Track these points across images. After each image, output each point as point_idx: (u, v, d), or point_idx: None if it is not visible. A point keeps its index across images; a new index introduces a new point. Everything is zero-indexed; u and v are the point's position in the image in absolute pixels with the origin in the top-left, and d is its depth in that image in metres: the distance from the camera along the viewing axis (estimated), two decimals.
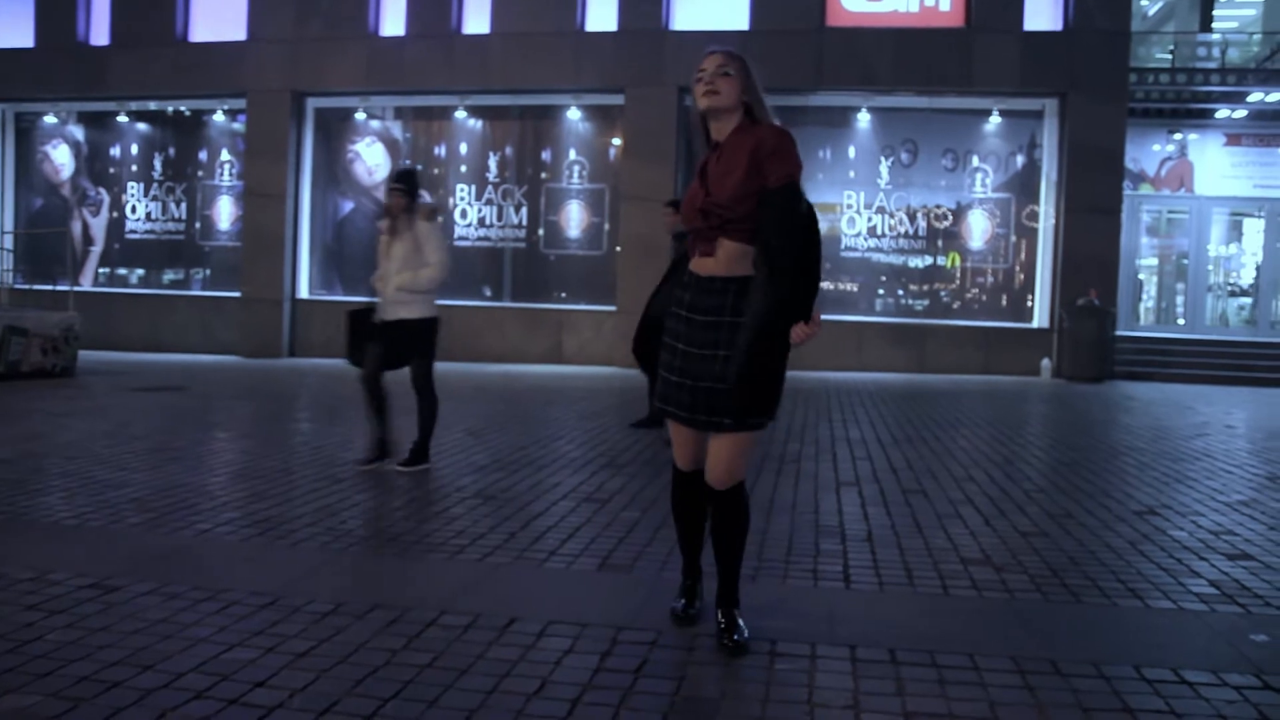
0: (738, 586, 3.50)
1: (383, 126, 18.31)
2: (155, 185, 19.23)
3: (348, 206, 18.44)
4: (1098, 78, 15.67)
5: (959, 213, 16.83)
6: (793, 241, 3.11)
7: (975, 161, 16.76)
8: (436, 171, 18.07)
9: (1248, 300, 19.83)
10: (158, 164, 19.23)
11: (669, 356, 3.39)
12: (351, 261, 18.25)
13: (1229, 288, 20.12)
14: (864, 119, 16.85)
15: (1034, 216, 16.55)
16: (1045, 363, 15.70)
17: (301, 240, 18.18)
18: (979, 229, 16.78)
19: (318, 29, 17.43)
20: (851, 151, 17.02)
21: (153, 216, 19.25)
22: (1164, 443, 8.72)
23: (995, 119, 16.54)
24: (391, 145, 18.23)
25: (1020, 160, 16.71)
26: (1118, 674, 3.24)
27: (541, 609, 3.80)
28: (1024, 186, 16.68)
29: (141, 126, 19.38)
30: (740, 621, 3.43)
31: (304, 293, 18.24)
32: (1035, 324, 16.41)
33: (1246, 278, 19.97)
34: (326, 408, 10.41)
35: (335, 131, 18.40)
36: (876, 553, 4.72)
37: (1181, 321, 19.33)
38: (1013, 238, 16.72)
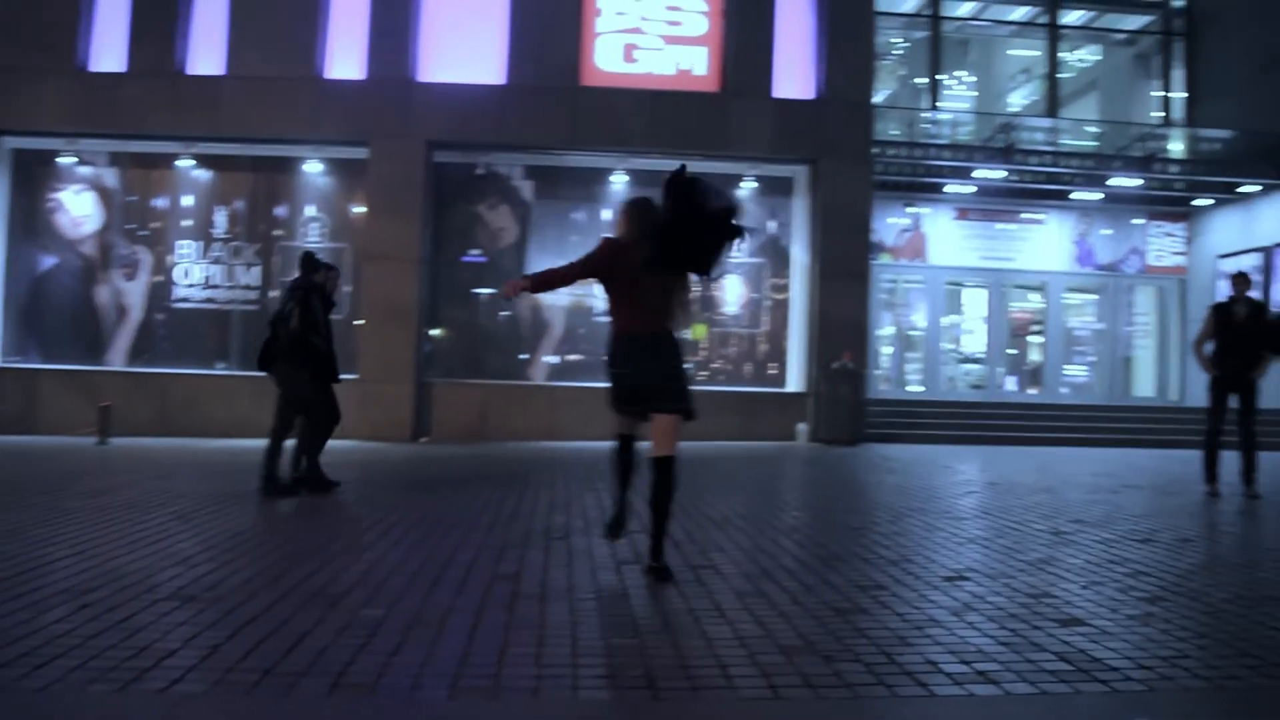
0: (665, 532, 5.27)
1: (94, 173, 16.37)
2: None
3: (49, 262, 16.28)
4: (845, 146, 16.05)
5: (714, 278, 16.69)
6: None
7: None
8: (156, 225, 16.30)
9: (977, 365, 20.80)
10: None
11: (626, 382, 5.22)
12: (53, 324, 16.12)
13: (960, 353, 21.05)
14: (619, 180, 16.52)
15: (787, 282, 16.66)
16: (801, 426, 15.68)
17: None
18: (734, 295, 16.71)
19: (14, 58, 15.43)
20: (606, 214, 16.61)
21: None
22: (939, 502, 8.50)
23: (749, 184, 16.61)
24: (104, 194, 16.31)
25: (773, 226, 16.83)
26: None
27: None
28: (777, 252, 16.79)
29: None
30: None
31: None
32: (790, 388, 16.42)
33: (976, 344, 20.96)
34: (6, 489, 8.74)
35: (36, 176, 16.29)
36: (679, 645, 3.95)
37: (920, 387, 20.04)
38: (767, 303, 16.76)
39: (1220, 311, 9.47)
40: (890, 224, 19.59)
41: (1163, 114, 21.36)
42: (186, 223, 16.30)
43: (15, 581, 4.80)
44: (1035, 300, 20.92)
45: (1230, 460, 9.40)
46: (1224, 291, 18.80)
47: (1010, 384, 20.61)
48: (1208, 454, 9.41)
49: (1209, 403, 9.46)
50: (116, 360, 16.06)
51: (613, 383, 5.25)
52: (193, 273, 16.19)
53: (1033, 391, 20.61)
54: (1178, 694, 3.53)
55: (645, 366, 5.14)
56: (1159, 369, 20.61)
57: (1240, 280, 9.52)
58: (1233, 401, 9.36)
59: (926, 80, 20.87)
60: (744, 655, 3.83)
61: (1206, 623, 4.48)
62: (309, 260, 8.63)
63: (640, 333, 5.18)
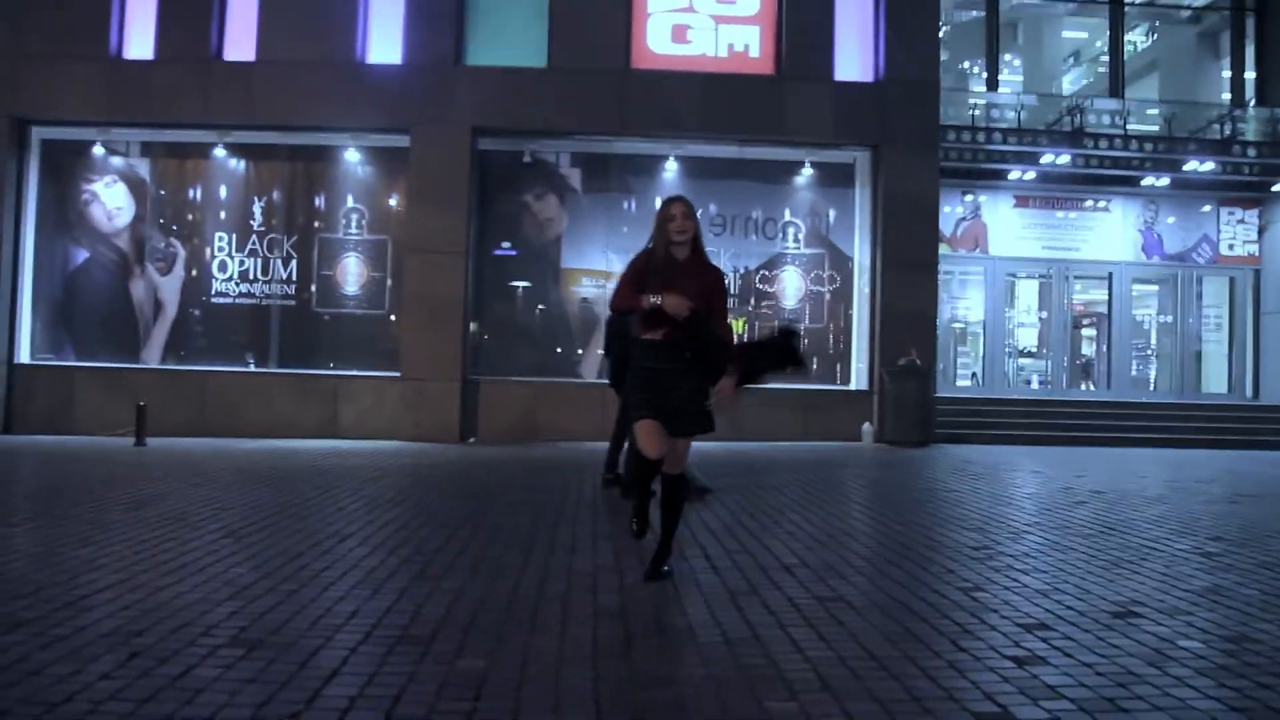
0: (671, 543, 5.28)
1: (126, 163, 15.79)
2: None
3: (82, 256, 15.71)
4: (910, 130, 15.24)
5: (770, 269, 15.95)
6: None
7: (788, 215, 15.97)
8: (191, 217, 15.72)
9: (1041, 360, 19.96)
10: None
11: (650, 389, 5.08)
12: (86, 320, 15.59)
13: (1022, 348, 20.19)
14: (671, 168, 15.78)
15: (848, 274, 15.87)
16: (866, 426, 14.90)
17: (23, 294, 15.35)
18: (791, 287, 15.94)
19: (43, 46, 14.87)
20: (658, 203, 15.80)
21: None
22: (1051, 515, 7.74)
23: (807, 171, 15.84)
24: (137, 185, 15.72)
25: (834, 214, 16.04)
26: None
27: None
28: (838, 242, 16.01)
29: None
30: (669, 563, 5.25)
31: (24, 356, 15.36)
32: (854, 385, 15.65)
33: (1037, 338, 20.11)
34: (41, 498, 8.15)
35: (67, 167, 15.72)
36: (847, 708, 3.24)
37: (967, 382, 19.21)
38: (826, 296, 15.97)
39: None
40: (947, 213, 18.73)
41: (1230, 95, 20.40)
42: (222, 214, 15.71)
43: (52, 620, 4.14)
44: (1100, 292, 20.02)
45: None
46: None
47: (1075, 380, 19.74)
48: None
49: None
50: (152, 357, 15.50)
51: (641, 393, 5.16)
52: (229, 266, 15.59)
53: (1096, 388, 19.74)
54: None
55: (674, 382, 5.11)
56: (1232, 364, 19.66)
57: None
58: None
59: (981, 62, 20.01)
60: (919, 713, 3.12)
61: None
62: None
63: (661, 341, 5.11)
